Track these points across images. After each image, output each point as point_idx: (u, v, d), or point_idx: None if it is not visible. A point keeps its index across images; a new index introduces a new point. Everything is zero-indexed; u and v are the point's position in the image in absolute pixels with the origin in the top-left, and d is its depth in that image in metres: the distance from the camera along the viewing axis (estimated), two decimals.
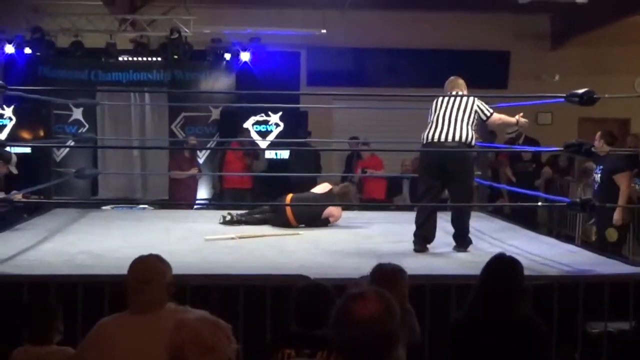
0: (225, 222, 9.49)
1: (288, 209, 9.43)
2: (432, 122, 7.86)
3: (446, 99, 7.94)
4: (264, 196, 12.47)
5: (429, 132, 7.83)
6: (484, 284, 4.31)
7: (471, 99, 7.94)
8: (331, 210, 9.67)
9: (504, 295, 4.21)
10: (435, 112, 7.90)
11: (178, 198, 13.10)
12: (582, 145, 7.23)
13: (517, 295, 4.26)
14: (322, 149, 14.38)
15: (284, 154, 14.30)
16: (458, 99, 7.91)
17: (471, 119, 7.82)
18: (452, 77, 8.24)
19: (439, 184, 7.90)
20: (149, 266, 3.85)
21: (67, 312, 4.66)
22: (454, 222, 7.95)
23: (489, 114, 7.96)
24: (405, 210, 11.48)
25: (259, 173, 13.61)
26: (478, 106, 7.90)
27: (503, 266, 4.36)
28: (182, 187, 13.25)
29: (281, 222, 9.46)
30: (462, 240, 7.87)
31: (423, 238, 7.80)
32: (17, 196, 8.72)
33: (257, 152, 13.74)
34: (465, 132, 7.72)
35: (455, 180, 7.81)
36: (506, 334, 4.09)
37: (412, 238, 7.87)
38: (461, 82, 8.18)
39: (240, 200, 12.81)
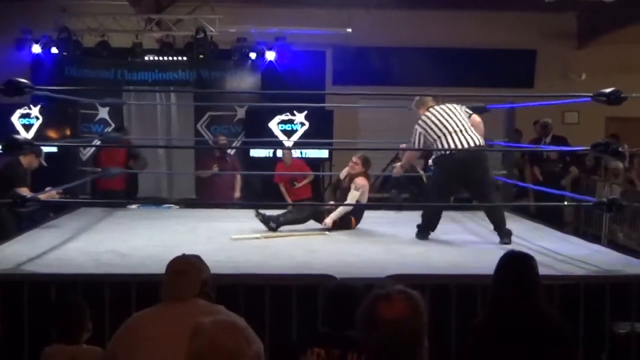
0: (265, 224, 8.96)
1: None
2: (446, 133, 8.21)
3: (441, 111, 8.39)
4: None
5: (448, 142, 8.20)
6: (498, 282, 4.22)
7: (457, 105, 8.57)
8: (356, 182, 9.27)
9: (519, 292, 4.10)
10: (440, 124, 8.26)
11: (211, 197, 12.44)
12: (609, 144, 7.20)
13: (533, 291, 4.13)
14: (346, 148, 14.31)
15: (318, 153, 14.19)
16: (451, 109, 8.44)
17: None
18: (426, 98, 8.65)
19: (456, 188, 8.79)
20: (187, 260, 4.01)
21: (94, 310, 4.68)
22: (489, 217, 8.38)
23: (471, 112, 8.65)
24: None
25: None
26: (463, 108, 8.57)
27: (515, 262, 4.26)
28: (215, 185, 12.44)
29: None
30: (502, 232, 8.15)
31: (431, 229, 8.45)
32: (52, 192, 8.76)
33: (136, 152, 12.94)
34: (477, 135, 8.31)
35: (477, 181, 8.30)
36: (528, 336, 3.99)
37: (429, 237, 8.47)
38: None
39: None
